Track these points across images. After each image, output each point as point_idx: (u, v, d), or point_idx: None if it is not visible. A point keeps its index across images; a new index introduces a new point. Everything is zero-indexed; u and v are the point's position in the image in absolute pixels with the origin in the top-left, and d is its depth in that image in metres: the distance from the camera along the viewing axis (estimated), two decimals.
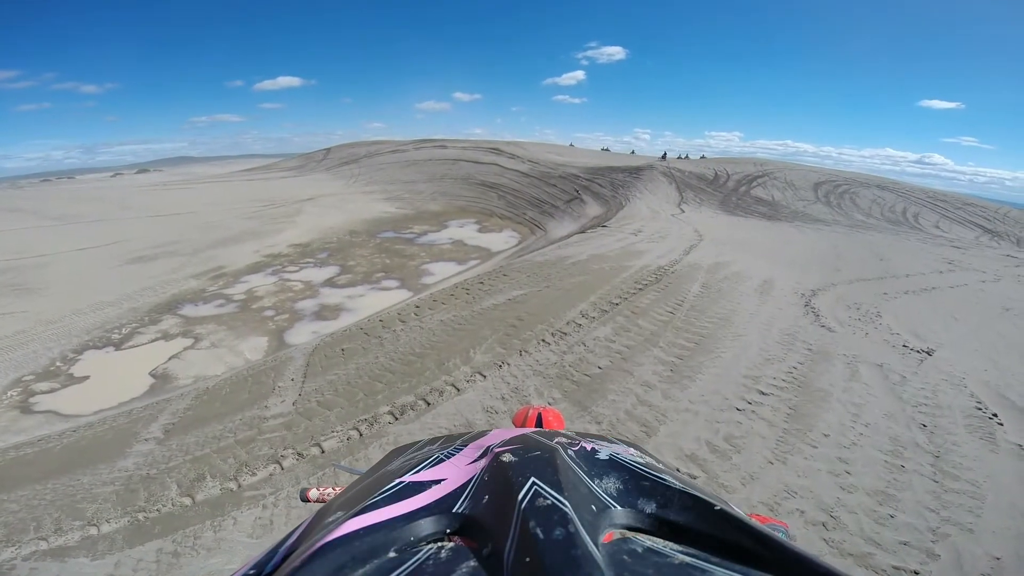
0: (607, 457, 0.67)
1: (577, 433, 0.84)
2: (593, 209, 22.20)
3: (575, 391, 5.80)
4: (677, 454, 4.73)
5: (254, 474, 4.86)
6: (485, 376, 6.21)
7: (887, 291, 9.57)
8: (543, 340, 6.92)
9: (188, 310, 12.04)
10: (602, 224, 16.13)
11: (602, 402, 5.55)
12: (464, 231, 22.23)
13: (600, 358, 6.44)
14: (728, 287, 9.16)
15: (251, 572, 0.56)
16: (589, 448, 0.70)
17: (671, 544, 0.52)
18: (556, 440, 0.70)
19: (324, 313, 11.66)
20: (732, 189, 25.71)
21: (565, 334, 7.08)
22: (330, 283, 14.00)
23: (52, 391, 8.15)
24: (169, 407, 6.38)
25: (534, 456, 0.62)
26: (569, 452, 0.66)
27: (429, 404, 5.74)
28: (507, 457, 0.62)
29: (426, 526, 0.55)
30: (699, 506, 0.56)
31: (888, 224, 20.45)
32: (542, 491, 0.53)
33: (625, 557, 0.48)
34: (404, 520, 0.55)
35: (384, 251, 17.67)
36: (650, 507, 0.57)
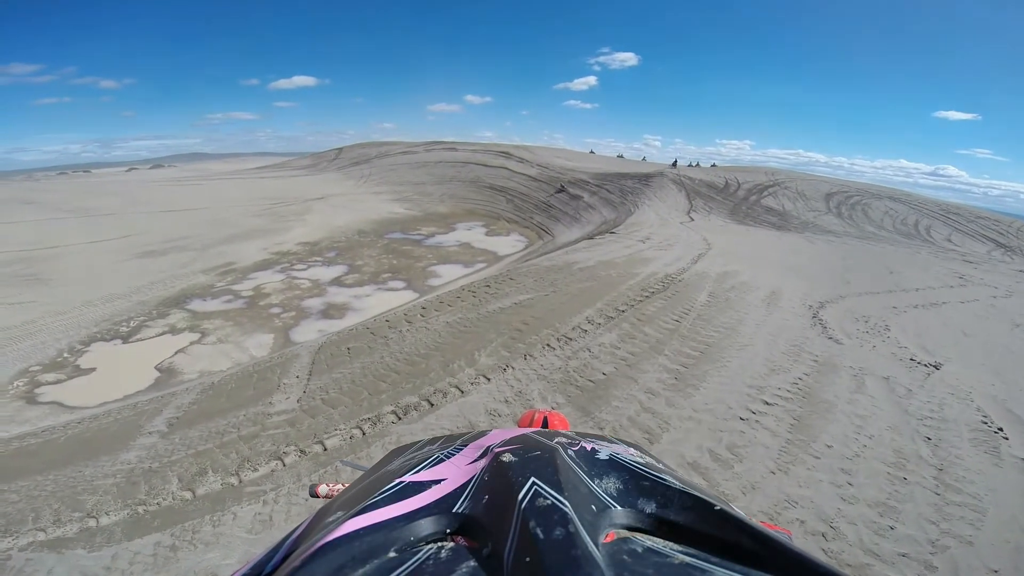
0: (607, 457, 0.67)
1: (577, 433, 0.84)
2: (601, 215, 22.19)
3: (579, 396, 5.79)
4: (679, 462, 4.71)
5: (256, 470, 4.88)
6: (489, 379, 6.22)
7: (896, 304, 9.48)
8: (548, 345, 6.91)
9: (196, 305, 12.13)
10: (610, 230, 16.10)
11: (606, 408, 5.53)
12: (472, 234, 22.27)
13: (605, 364, 6.42)
14: (735, 297, 9.11)
15: (251, 571, 0.56)
16: (589, 448, 0.70)
17: (671, 544, 0.52)
18: (556, 440, 0.70)
19: (331, 312, 11.71)
20: (742, 198, 25.61)
21: (570, 339, 7.06)
22: (337, 282, 14.07)
23: (58, 382, 8.23)
24: (174, 401, 6.43)
25: (534, 456, 0.62)
26: (569, 452, 0.66)
27: (433, 405, 5.75)
28: (507, 457, 0.62)
29: (426, 526, 0.55)
30: (699, 506, 0.56)
31: (900, 236, 20.28)
32: (542, 491, 0.53)
33: (625, 557, 0.48)
34: (404, 520, 0.55)
35: (392, 252, 17.73)
36: (650, 507, 0.57)
